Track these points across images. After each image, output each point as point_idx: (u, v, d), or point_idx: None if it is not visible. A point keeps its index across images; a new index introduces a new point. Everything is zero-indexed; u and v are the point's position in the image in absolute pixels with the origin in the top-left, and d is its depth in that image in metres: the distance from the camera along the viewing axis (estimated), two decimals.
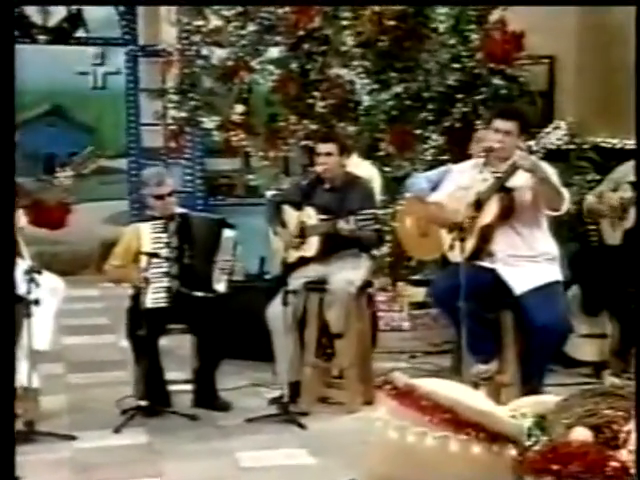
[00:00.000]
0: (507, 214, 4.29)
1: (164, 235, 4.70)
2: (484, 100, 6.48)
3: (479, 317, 4.28)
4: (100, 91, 8.84)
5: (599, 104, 6.62)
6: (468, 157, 4.99)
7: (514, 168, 4.20)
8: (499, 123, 4.31)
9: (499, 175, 4.30)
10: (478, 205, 4.31)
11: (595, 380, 5.03)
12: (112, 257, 4.76)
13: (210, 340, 4.69)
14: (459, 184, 4.41)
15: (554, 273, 4.34)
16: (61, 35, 8.53)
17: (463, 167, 4.58)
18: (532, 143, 4.16)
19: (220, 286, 4.71)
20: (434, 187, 4.96)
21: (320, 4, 6.44)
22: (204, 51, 6.85)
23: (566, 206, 4.25)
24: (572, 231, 5.92)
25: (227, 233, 4.79)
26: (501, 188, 4.28)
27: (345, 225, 4.60)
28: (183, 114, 6.92)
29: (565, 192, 4.25)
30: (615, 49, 6.37)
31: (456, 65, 6.49)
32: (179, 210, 4.82)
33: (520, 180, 4.25)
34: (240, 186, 8.25)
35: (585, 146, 6.49)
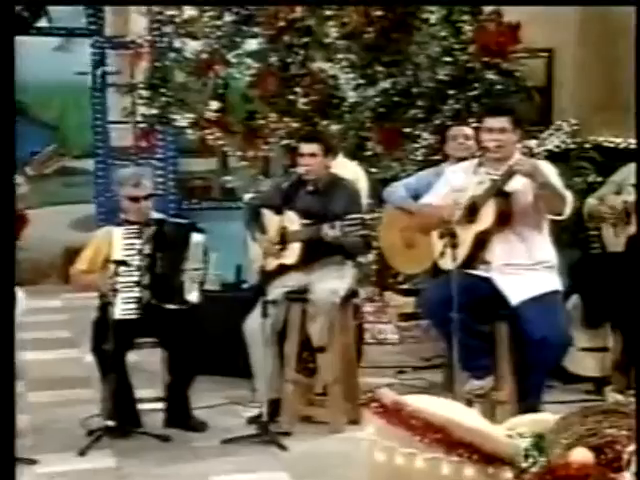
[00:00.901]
0: (504, 220, 4.31)
1: (138, 242, 4.69)
2: (477, 96, 6.51)
3: (472, 329, 4.30)
4: (64, 86, 8.81)
5: (601, 101, 6.66)
6: (461, 158, 5.01)
7: (512, 172, 4.21)
8: (490, 121, 4.34)
9: (496, 178, 4.32)
10: (473, 210, 4.33)
11: (596, 397, 5.05)
12: (79, 261, 4.75)
13: (183, 354, 4.68)
14: (453, 186, 4.43)
15: (553, 282, 4.36)
16: (21, 25, 8.51)
17: (457, 168, 4.60)
18: (533, 145, 4.18)
19: (192, 296, 4.71)
20: (415, 194, 4.98)
21: (320, 4, 6.46)
22: (177, 43, 6.84)
23: (569, 209, 4.28)
24: (572, 237, 5.94)
25: (196, 238, 4.78)
26: (498, 192, 4.30)
27: (330, 231, 4.61)
28: (154, 111, 6.91)
29: (568, 195, 4.28)
30: (619, 42, 6.40)
31: (448, 59, 6.52)
32: (155, 215, 4.81)
33: (519, 183, 4.27)
34: (216, 188, 8.26)
35: (586, 145, 6.52)
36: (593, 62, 6.75)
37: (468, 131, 5.18)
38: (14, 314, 3.85)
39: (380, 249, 5.98)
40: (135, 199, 4.68)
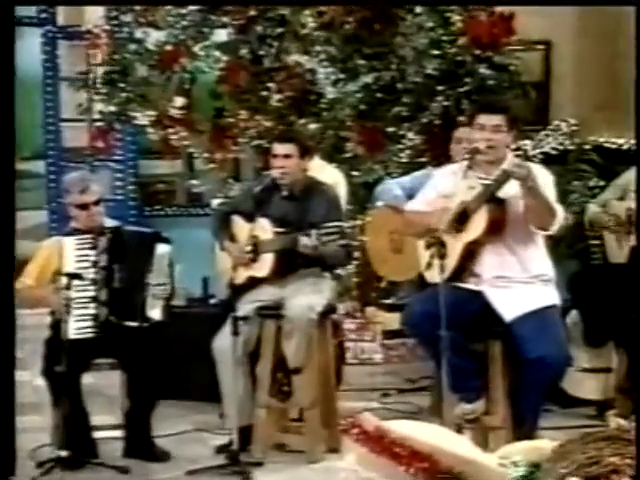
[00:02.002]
0: (497, 229, 4.33)
1: (92, 253, 4.68)
2: (468, 92, 6.55)
3: (463, 348, 4.31)
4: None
5: (603, 97, 6.72)
6: (450, 159, 5.04)
7: (506, 176, 4.23)
8: (483, 119, 4.36)
9: (488, 183, 4.34)
10: (463, 217, 4.35)
11: (598, 422, 5.08)
12: (26, 274, 4.72)
13: (144, 377, 4.67)
14: (441, 191, 4.44)
15: (550, 296, 4.39)
16: None
17: (445, 171, 4.62)
18: (528, 146, 4.19)
19: (155, 313, 4.70)
20: (410, 195, 5.00)
21: (318, 4, 6.49)
22: (137, 33, 6.84)
23: (557, 226, 4.28)
24: (571, 247, 5.98)
25: (161, 249, 4.77)
26: (491, 198, 4.32)
27: (306, 240, 4.62)
28: (112, 108, 6.91)
29: (559, 208, 4.29)
30: (621, 33, 6.46)
31: (435, 51, 6.56)
32: (110, 223, 4.80)
33: (513, 189, 4.29)
34: (181, 193, 8.24)
35: (586, 146, 6.57)
36: (594, 55, 6.80)
37: None
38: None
39: (362, 258, 6.01)
40: (83, 206, 4.67)
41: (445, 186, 4.40)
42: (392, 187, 5.36)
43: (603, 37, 6.71)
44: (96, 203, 4.71)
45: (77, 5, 6.76)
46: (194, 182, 7.23)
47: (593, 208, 5.37)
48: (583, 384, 5.33)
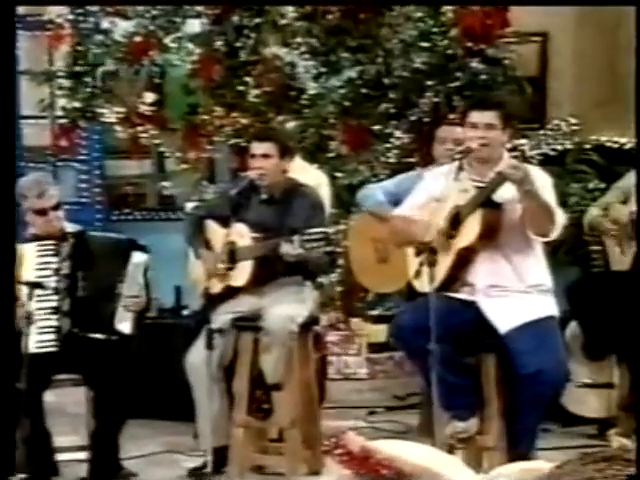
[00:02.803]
0: (491, 235, 4.34)
1: (53, 260, 4.67)
2: (460, 88, 6.57)
3: (454, 363, 4.33)
4: None
5: (603, 93, 6.75)
6: (434, 161, 5.05)
7: (501, 178, 4.24)
8: (475, 116, 4.37)
9: (483, 185, 4.35)
10: (455, 222, 4.37)
11: (599, 442, 5.10)
12: None
13: (111, 394, 4.65)
14: (431, 194, 4.45)
15: (548, 307, 4.40)
16: None
17: (436, 173, 4.62)
18: (525, 147, 4.19)
19: (124, 326, 4.69)
20: (395, 201, 5.00)
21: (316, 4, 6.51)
22: (104, 23, 6.84)
23: (558, 231, 4.29)
24: (570, 254, 6.01)
25: (137, 258, 4.78)
26: (485, 202, 4.33)
27: (287, 247, 4.62)
28: (77, 104, 6.90)
29: (559, 212, 4.30)
30: (622, 25, 6.49)
31: (424, 44, 6.58)
32: (71, 228, 4.79)
33: (509, 192, 4.30)
34: (151, 196, 8.23)
35: (586, 146, 6.61)
36: (594, 48, 6.84)
37: (461, 135, 5.05)
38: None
39: (347, 265, 6.01)
40: (42, 211, 4.66)
41: (436, 189, 4.40)
42: (374, 192, 5.34)
43: (603, 28, 6.74)
44: (55, 208, 4.69)
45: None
46: (165, 184, 7.23)
47: (593, 212, 5.38)
48: (583, 401, 5.35)
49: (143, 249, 4.83)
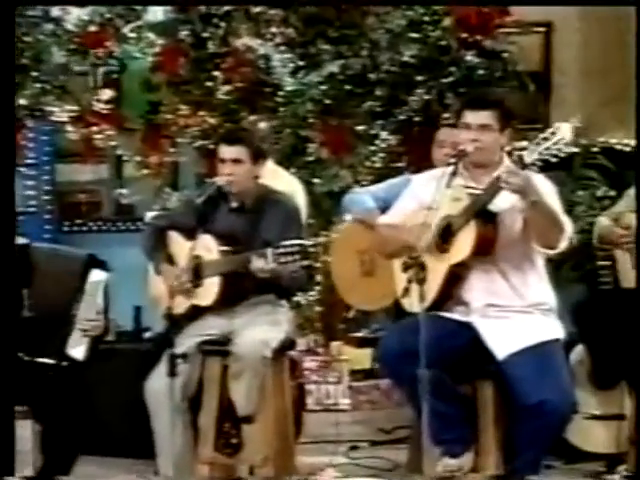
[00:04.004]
0: (487, 249, 4.36)
1: None
2: (453, 84, 6.60)
3: (447, 391, 4.35)
4: None
5: (612, 90, 6.79)
6: (432, 166, 5.07)
7: (498, 186, 4.25)
8: (470, 116, 4.40)
9: (478, 193, 4.37)
10: (447, 234, 4.38)
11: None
12: None
13: (61, 428, 4.65)
14: (421, 201, 4.46)
15: (551, 329, 4.43)
16: None
17: (426, 178, 4.64)
18: (525, 153, 4.18)
19: (77, 351, 4.69)
20: (384, 207, 5.02)
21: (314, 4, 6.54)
22: (54, 10, 6.83)
23: (565, 242, 4.32)
24: (577, 269, 6.03)
25: (96, 276, 4.79)
26: (480, 212, 4.35)
27: (259, 261, 4.62)
28: (23, 101, 6.88)
29: (566, 222, 4.33)
30: (632, 16, 6.51)
31: (415, 35, 6.61)
32: (17, 240, 4.78)
33: (507, 201, 4.33)
34: (107, 204, 8.21)
35: (594, 149, 6.64)
36: (602, 40, 6.87)
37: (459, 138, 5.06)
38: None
39: (326, 283, 6.01)
40: None
41: (426, 196, 4.41)
42: (363, 197, 5.37)
43: (611, 19, 6.77)
44: None
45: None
46: (123, 191, 7.22)
47: (603, 222, 5.39)
48: (591, 434, 5.36)
49: (103, 266, 4.83)
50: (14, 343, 4.37)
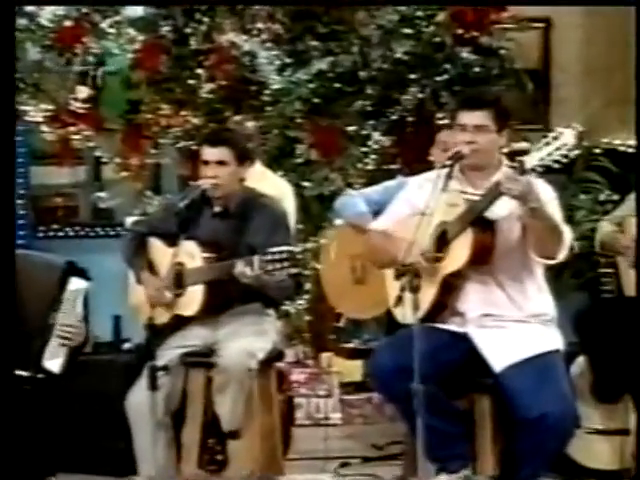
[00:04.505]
0: (484, 258, 4.36)
1: None
2: (449, 82, 6.61)
3: (442, 406, 4.35)
4: None
5: (615, 89, 6.80)
6: (429, 167, 5.08)
7: (498, 192, 4.25)
8: (465, 116, 4.40)
9: (475, 199, 4.37)
10: (442, 242, 4.39)
11: None
12: None
13: (36, 445, 4.64)
14: (415, 206, 4.46)
15: (551, 340, 4.43)
16: None
17: (421, 180, 4.64)
18: (525, 158, 4.17)
19: (54, 364, 4.68)
20: (378, 210, 5.02)
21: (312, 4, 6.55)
22: (28, 5, 6.82)
23: (564, 253, 4.32)
24: (578, 277, 6.03)
25: (75, 284, 4.79)
26: (478, 218, 4.35)
27: (245, 269, 4.62)
28: None
29: (566, 231, 4.32)
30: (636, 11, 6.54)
31: (408, 30, 6.61)
32: None
33: (506, 207, 4.33)
34: (85, 209, 8.21)
35: (596, 150, 6.65)
36: (604, 36, 6.88)
37: None
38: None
39: (316, 291, 6.02)
40: None
41: (421, 200, 4.41)
42: (355, 201, 5.38)
43: (616, 14, 6.79)
44: None
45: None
46: (101, 195, 7.21)
47: (605, 228, 5.41)
48: (593, 450, 5.36)
49: (82, 274, 4.82)
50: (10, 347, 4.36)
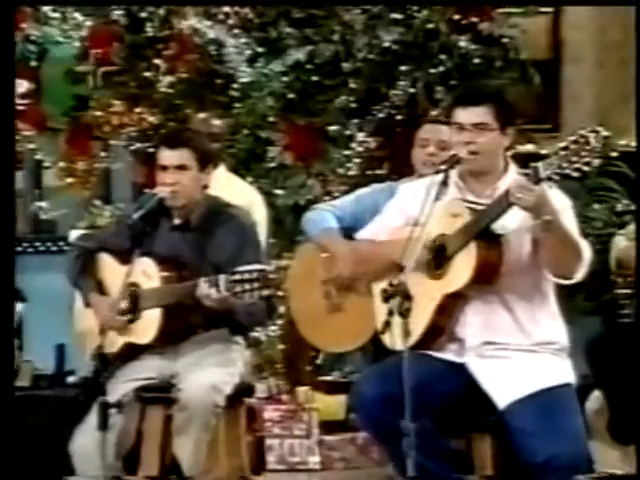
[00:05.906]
0: (490, 276, 4.36)
1: None
2: (444, 75, 6.62)
3: (436, 446, 4.35)
4: None
5: (634, 84, 6.81)
6: (413, 171, 5.09)
7: (507, 202, 4.23)
8: (462, 114, 4.39)
9: (479, 208, 4.37)
10: (440, 258, 4.39)
11: None
12: None
13: None
14: (409, 215, 4.45)
15: (562, 372, 4.44)
16: None
17: (415, 187, 4.64)
18: (540, 165, 4.12)
19: None
20: (352, 225, 5.00)
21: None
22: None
23: (583, 271, 4.29)
24: (592, 299, 6.04)
25: None
26: (483, 232, 4.35)
27: (209, 290, 4.62)
28: None
29: (585, 247, 4.30)
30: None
31: (397, 16, 6.63)
32: None
33: (514, 220, 4.32)
34: (23, 220, 8.20)
35: (612, 154, 6.66)
36: (620, 23, 6.92)
37: (447, 136, 5.00)
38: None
39: (290, 315, 6.01)
40: None
41: (415, 209, 4.37)
42: (324, 215, 5.25)
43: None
44: None
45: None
46: (42, 204, 7.20)
47: (622, 243, 5.43)
48: None
49: (17, 295, 4.82)
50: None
